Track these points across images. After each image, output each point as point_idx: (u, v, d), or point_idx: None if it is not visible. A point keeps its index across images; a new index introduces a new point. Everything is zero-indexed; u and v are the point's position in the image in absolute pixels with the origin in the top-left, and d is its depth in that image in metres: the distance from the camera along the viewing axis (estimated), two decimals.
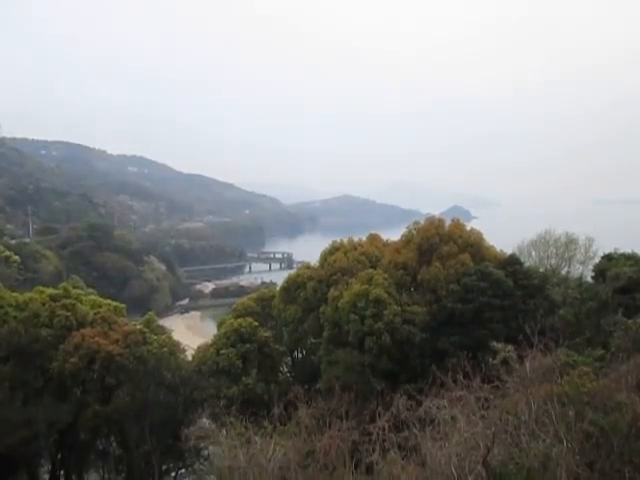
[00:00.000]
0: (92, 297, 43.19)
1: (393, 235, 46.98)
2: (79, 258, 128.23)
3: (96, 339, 36.09)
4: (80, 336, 36.23)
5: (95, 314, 39.43)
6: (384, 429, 12.94)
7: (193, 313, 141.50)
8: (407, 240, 41.55)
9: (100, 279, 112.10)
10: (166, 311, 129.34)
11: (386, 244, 44.78)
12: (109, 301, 43.34)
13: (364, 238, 46.25)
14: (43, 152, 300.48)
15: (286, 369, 44.05)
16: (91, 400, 35.15)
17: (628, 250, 39.08)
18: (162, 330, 42.07)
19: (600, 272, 37.37)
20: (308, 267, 45.19)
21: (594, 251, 44.56)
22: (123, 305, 43.74)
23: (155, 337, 39.16)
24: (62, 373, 35.22)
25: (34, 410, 33.50)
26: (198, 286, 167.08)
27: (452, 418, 12.30)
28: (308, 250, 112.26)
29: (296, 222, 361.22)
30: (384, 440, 12.83)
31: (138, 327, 39.67)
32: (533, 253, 46.54)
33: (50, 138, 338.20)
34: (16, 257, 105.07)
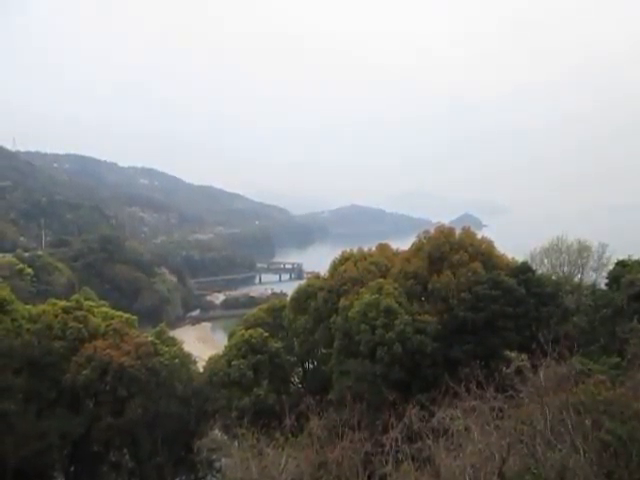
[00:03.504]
0: (104, 309, 43.40)
1: (403, 244, 46.83)
2: (91, 270, 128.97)
3: (108, 351, 36.23)
4: (92, 348, 36.39)
5: (107, 326, 39.60)
6: (397, 440, 12.82)
7: (204, 324, 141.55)
8: (417, 249, 41.43)
9: (112, 291, 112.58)
10: (177, 322, 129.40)
11: (396, 253, 44.64)
12: (121, 313, 43.53)
13: (374, 248, 46.14)
14: (55, 165, 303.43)
15: (297, 380, 43.85)
16: (103, 412, 35.24)
17: None
18: (173, 341, 42.13)
19: (614, 279, 36.95)
20: (318, 277, 45.14)
21: (607, 258, 44.14)
22: (135, 317, 43.90)
23: (166, 348, 39.28)
24: (75, 385, 35.35)
25: (47, 422, 33.67)
26: (209, 297, 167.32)
27: (466, 428, 12.16)
28: (318, 260, 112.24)
29: (306, 232, 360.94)
30: (397, 451, 12.71)
31: (150, 339, 39.81)
32: (545, 261, 46.16)
33: (62, 151, 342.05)
34: (29, 269, 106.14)
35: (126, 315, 43.18)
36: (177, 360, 38.78)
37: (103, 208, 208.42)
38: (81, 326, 37.91)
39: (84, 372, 35.14)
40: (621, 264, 38.18)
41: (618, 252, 42.90)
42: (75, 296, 44.13)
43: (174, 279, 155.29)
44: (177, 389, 37.96)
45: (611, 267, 40.11)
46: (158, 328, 43.50)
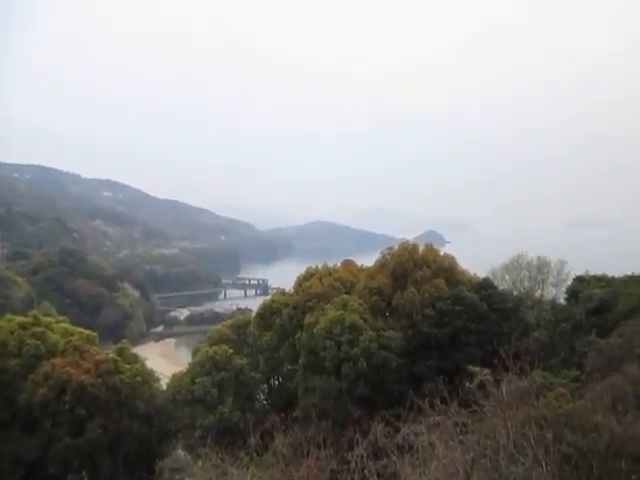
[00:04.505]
0: (64, 325, 42.26)
1: (368, 260, 47.19)
2: (51, 284, 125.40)
3: (67, 369, 35.21)
4: (50, 366, 35.32)
5: (66, 343, 38.54)
6: (362, 457, 12.76)
7: (168, 340, 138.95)
8: (381, 265, 41.83)
9: (73, 306, 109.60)
10: (140, 338, 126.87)
11: (361, 270, 44.96)
12: (81, 329, 42.47)
13: (339, 264, 46.35)
14: (16, 175, 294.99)
15: (262, 397, 43.44)
16: (61, 433, 34.11)
17: (599, 272, 39.96)
18: (136, 358, 41.22)
19: (573, 294, 38.04)
20: (283, 293, 45.09)
21: (566, 273, 45.36)
22: (95, 333, 42.88)
23: (128, 366, 38.40)
24: (31, 405, 34.17)
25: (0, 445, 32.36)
26: (173, 313, 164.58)
27: (430, 444, 12.20)
28: (283, 276, 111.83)
29: (272, 248, 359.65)
30: (363, 468, 12.64)
31: (111, 356, 38.91)
32: (506, 276, 47.09)
33: (23, 161, 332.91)
34: None
35: (87, 331, 42.15)
36: (139, 378, 37.91)
37: (65, 221, 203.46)
38: (39, 343, 36.79)
39: (41, 391, 34.03)
40: (579, 279, 39.40)
41: (576, 268, 44.20)
42: (33, 311, 42.94)
43: (137, 294, 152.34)
44: (139, 408, 37.07)
45: (570, 282, 41.31)
46: (120, 345, 42.51)
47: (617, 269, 41.88)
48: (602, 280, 38.05)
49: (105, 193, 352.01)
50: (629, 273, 38.57)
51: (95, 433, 34.12)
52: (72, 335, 40.07)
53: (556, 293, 45.07)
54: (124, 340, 45.90)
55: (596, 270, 40.61)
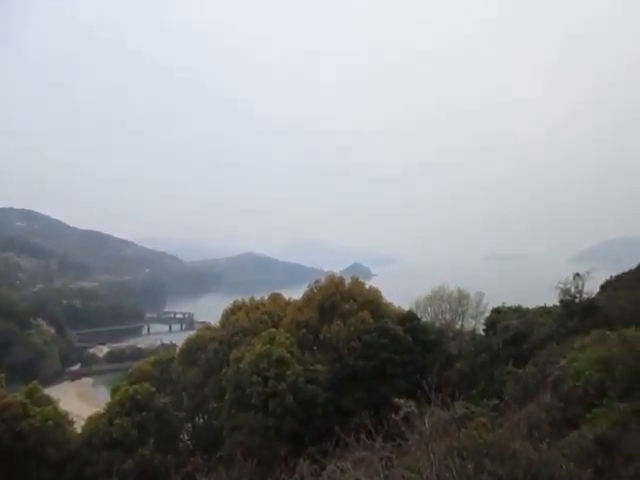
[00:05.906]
0: None
1: (297, 293, 47.29)
2: None
3: None
4: None
5: None
6: None
7: (85, 379, 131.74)
8: (308, 298, 42.02)
9: None
10: (55, 378, 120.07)
11: (288, 303, 44.98)
12: None
13: (267, 297, 46.15)
14: None
15: (186, 437, 41.90)
16: None
17: (515, 303, 41.88)
18: (48, 400, 38.65)
19: (491, 325, 39.56)
20: (209, 328, 44.33)
21: (484, 305, 47.17)
22: (2, 374, 39.85)
23: (38, 409, 35.94)
24: None
25: None
26: (91, 350, 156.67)
27: None
28: (210, 309, 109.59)
29: (199, 281, 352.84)
30: None
31: (19, 399, 36.19)
32: (429, 309, 48.35)
33: None
34: None
35: None
36: (50, 422, 35.49)
37: None
38: None
39: None
40: (496, 311, 41.11)
41: (494, 300, 46.12)
42: None
43: (52, 331, 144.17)
44: (50, 454, 34.61)
45: (488, 314, 42.98)
46: (30, 386, 39.72)
47: (530, 300, 44.10)
48: (517, 311, 39.90)
49: (18, 223, 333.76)
50: (541, 304, 40.70)
51: None
52: None
53: (475, 324, 46.69)
54: (35, 381, 42.91)
55: (511, 301, 42.55)
